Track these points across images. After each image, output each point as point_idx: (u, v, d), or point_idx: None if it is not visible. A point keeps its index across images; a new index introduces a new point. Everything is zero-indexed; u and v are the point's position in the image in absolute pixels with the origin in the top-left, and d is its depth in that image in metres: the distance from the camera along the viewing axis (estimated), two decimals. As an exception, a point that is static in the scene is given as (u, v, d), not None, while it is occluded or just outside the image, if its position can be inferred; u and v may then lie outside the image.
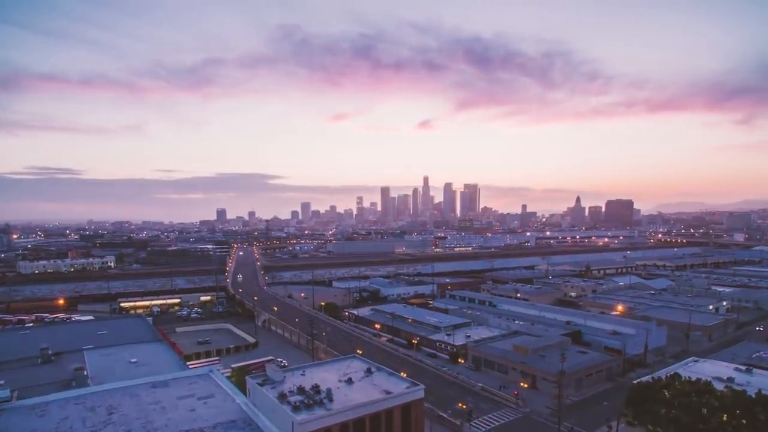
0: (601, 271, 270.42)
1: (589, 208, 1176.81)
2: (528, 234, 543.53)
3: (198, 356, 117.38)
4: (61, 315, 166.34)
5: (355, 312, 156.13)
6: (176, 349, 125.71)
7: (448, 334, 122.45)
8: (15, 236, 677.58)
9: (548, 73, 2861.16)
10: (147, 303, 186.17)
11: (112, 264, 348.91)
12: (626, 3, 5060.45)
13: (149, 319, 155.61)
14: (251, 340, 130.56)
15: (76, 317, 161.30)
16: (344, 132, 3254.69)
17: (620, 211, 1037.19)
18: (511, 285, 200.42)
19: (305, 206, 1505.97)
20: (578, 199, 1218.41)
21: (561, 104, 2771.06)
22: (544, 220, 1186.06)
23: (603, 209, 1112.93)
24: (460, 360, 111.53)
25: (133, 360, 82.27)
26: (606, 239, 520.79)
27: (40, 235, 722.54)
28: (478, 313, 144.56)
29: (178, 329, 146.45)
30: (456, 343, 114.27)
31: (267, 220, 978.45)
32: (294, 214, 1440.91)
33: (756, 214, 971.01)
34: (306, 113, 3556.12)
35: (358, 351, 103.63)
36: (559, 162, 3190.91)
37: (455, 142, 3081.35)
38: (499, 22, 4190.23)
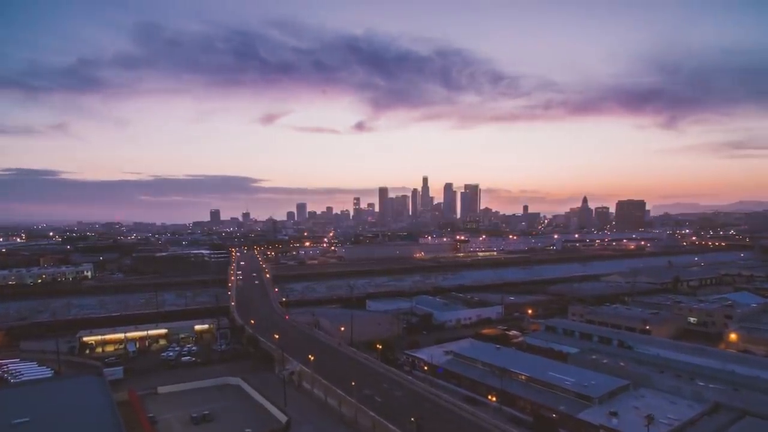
0: (683, 283, 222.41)
1: (596, 209, 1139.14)
2: (556, 237, 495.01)
3: (193, 460, 67.41)
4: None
5: (423, 357, 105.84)
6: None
7: (612, 413, 73.25)
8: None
9: (449, 74, 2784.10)
10: (120, 336, 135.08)
11: (89, 273, 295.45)
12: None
13: (117, 370, 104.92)
14: (280, 417, 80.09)
15: (11, 365, 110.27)
16: (284, 133, 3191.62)
17: (631, 212, 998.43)
18: (613, 308, 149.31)
19: (301, 207, 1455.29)
20: (585, 200, 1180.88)
21: (483, 105, 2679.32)
22: (546, 221, 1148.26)
23: (612, 210, 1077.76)
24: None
25: None
26: (642, 241, 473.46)
27: (21, 237, 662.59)
28: (622, 364, 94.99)
29: (161, 389, 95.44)
30: (646, 438, 65.19)
31: (273, 221, 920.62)
32: (290, 215, 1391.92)
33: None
34: (229, 114, 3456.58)
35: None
36: (520, 163, 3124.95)
37: (393, 144, 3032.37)
38: (364, 21, 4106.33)
